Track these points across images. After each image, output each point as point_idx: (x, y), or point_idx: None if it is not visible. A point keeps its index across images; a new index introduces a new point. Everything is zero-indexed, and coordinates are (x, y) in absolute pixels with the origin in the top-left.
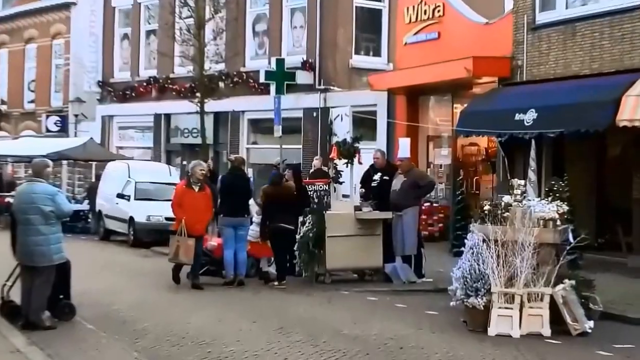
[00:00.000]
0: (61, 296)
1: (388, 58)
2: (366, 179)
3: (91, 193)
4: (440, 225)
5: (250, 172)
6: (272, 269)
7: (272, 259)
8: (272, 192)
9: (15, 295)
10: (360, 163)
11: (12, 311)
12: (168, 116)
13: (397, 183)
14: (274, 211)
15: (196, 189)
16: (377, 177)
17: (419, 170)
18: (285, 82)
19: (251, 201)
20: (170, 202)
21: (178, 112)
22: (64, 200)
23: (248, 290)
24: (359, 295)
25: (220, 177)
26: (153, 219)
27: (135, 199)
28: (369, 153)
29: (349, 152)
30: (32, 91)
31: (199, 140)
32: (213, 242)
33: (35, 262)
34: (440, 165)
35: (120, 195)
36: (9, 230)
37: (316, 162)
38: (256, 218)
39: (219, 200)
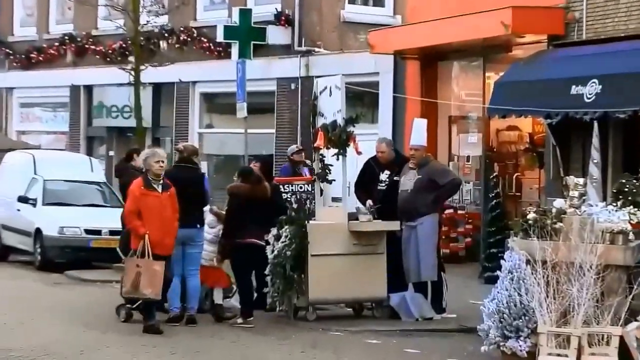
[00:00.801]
0: None
1: (394, 9)
2: (367, 180)
3: None
4: (468, 240)
5: (203, 167)
6: (234, 301)
7: (233, 287)
8: (243, 192)
9: None
10: (359, 153)
11: None
12: (89, 89)
13: (407, 181)
14: (242, 220)
15: (159, 190)
16: (384, 176)
17: (438, 163)
18: (252, 42)
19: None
20: (92, 208)
21: (103, 83)
22: None
23: (202, 330)
24: (355, 337)
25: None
26: (68, 232)
27: (44, 204)
28: (368, 140)
29: (340, 138)
30: None
31: (132, 123)
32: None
33: None
34: (467, 158)
35: (23, 199)
36: None
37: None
38: (208, 233)
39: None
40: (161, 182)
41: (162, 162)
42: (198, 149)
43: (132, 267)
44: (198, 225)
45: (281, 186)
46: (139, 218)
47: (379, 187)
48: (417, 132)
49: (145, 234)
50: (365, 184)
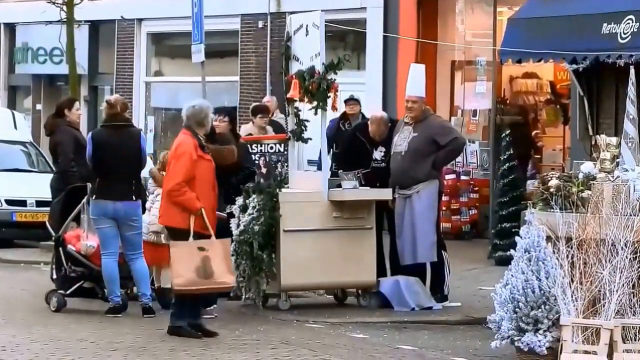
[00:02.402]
0: None
1: None
2: (354, 158)
3: None
4: (473, 212)
5: (150, 123)
6: None
7: None
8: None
9: None
10: (334, 109)
11: None
12: (11, 27)
13: (401, 141)
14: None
15: (208, 154)
16: (379, 154)
17: (439, 118)
18: None
19: (146, 173)
20: (15, 174)
21: (28, 20)
22: None
23: (149, 322)
24: (337, 330)
25: (90, 133)
26: None
27: None
28: (353, 90)
29: (319, 88)
30: None
31: (64, 69)
32: (90, 241)
33: None
34: (474, 112)
35: None
36: None
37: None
38: (152, 201)
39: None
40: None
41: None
42: (127, 103)
43: (191, 251)
44: (133, 197)
45: (249, 146)
46: (192, 189)
47: (373, 165)
48: (414, 81)
49: (202, 209)
50: (353, 163)
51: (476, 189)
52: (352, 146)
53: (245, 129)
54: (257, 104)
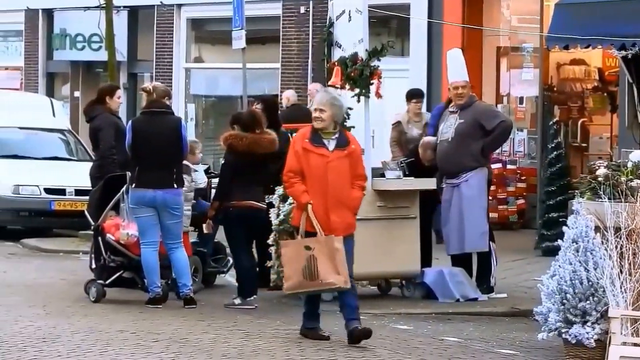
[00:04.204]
0: None
1: None
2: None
3: None
4: (520, 202)
5: (191, 112)
6: (230, 278)
7: (229, 261)
8: (244, 144)
9: None
10: (379, 96)
11: None
12: (49, 13)
13: (447, 128)
14: (240, 178)
15: (329, 147)
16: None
17: (484, 103)
18: None
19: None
20: (54, 162)
21: (66, 6)
22: None
23: (190, 314)
24: (381, 321)
25: (130, 122)
26: (24, 192)
27: None
28: (397, 78)
29: (362, 75)
30: None
31: (103, 56)
32: (129, 230)
33: None
34: (521, 99)
35: None
36: None
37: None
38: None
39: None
40: (336, 136)
41: (322, 110)
42: (170, 90)
43: (297, 251)
44: (175, 185)
45: (289, 134)
46: (303, 181)
47: None
48: (455, 66)
49: (308, 204)
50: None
51: (523, 178)
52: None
53: (398, 116)
54: (412, 88)
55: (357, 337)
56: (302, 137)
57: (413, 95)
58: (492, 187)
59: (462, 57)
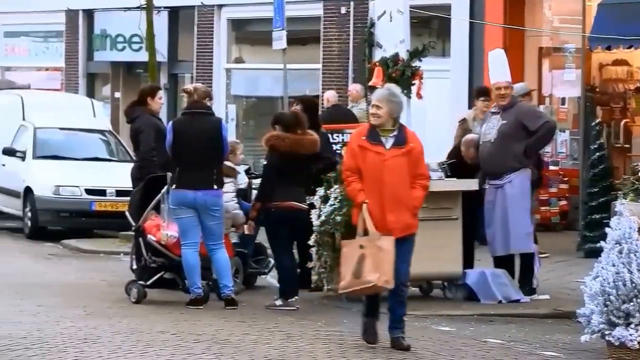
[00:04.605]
0: None
1: None
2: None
3: None
4: (563, 203)
5: (232, 112)
6: (272, 279)
7: (270, 262)
8: (286, 145)
9: None
10: (419, 97)
11: None
12: (90, 14)
13: (489, 129)
14: (282, 179)
15: (386, 144)
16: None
17: (527, 104)
18: None
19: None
20: (94, 163)
21: (107, 6)
22: None
23: (231, 315)
24: (422, 323)
25: (170, 123)
26: (65, 192)
27: (35, 157)
28: (438, 79)
29: (403, 76)
30: None
31: (143, 57)
32: (170, 231)
33: None
34: (563, 100)
35: (9, 151)
36: None
37: (333, 94)
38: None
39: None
40: (395, 134)
41: (378, 106)
42: (211, 91)
43: (352, 250)
44: (214, 186)
45: (330, 135)
46: (360, 179)
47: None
48: (497, 66)
49: (364, 203)
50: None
51: (565, 179)
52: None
53: (465, 113)
54: (481, 86)
55: (397, 347)
56: (359, 135)
57: (482, 92)
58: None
59: (505, 57)
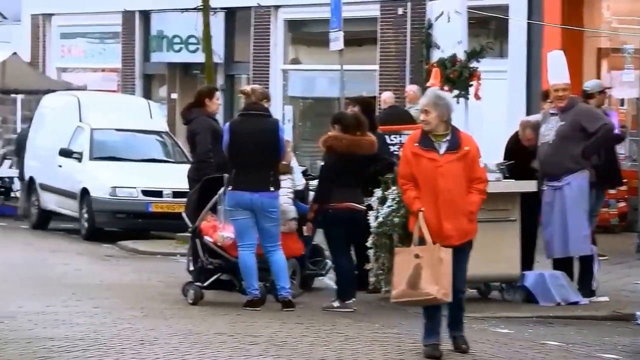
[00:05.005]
0: None
1: None
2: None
3: (17, 148)
4: (622, 205)
5: (288, 113)
6: (329, 281)
7: (327, 263)
8: (344, 145)
9: None
10: (477, 98)
11: None
12: (147, 15)
13: (548, 131)
14: (339, 180)
15: (440, 150)
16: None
17: (586, 105)
18: None
19: (293, 163)
20: (151, 164)
21: (164, 7)
22: None
23: (288, 317)
24: (481, 325)
25: (227, 124)
26: (121, 194)
27: (92, 158)
28: (496, 79)
29: (461, 76)
30: None
31: (200, 58)
32: (226, 232)
33: None
34: (622, 101)
35: (66, 153)
36: None
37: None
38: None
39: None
40: (448, 138)
41: (427, 111)
42: (268, 92)
43: (407, 259)
44: (271, 188)
45: (387, 136)
46: (416, 186)
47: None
48: (555, 68)
49: (420, 211)
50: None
51: (625, 180)
52: (508, 151)
53: (533, 116)
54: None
55: (456, 347)
56: (411, 141)
57: (548, 95)
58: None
59: (564, 58)
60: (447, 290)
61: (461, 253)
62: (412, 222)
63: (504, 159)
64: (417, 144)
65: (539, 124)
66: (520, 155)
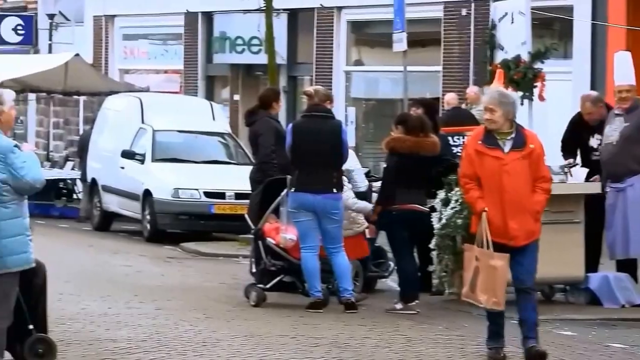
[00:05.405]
0: (30, 326)
1: None
2: (572, 145)
3: (80, 150)
4: None
5: (351, 115)
6: (392, 282)
7: (390, 265)
8: (407, 147)
9: None
10: (541, 99)
11: None
12: (209, 16)
13: (612, 131)
14: (402, 181)
15: (505, 148)
16: (595, 141)
17: None
18: None
19: (356, 165)
20: (213, 166)
21: (226, 9)
22: (28, 162)
23: (350, 319)
24: (544, 327)
25: (290, 125)
26: (184, 195)
27: (154, 160)
28: (559, 81)
29: (525, 78)
30: None
31: (262, 59)
32: (289, 234)
33: None
34: None
35: (128, 154)
36: None
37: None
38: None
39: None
40: (512, 136)
41: (492, 110)
42: (331, 94)
43: (470, 259)
44: (334, 190)
45: (450, 138)
46: (479, 186)
47: (592, 157)
48: (621, 69)
49: (483, 212)
50: (570, 149)
51: None
52: (569, 130)
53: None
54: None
55: (532, 357)
56: (474, 139)
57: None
58: None
59: (630, 60)
60: (498, 299)
61: (528, 253)
62: (475, 223)
63: (565, 136)
64: (480, 142)
65: (599, 98)
66: (580, 131)
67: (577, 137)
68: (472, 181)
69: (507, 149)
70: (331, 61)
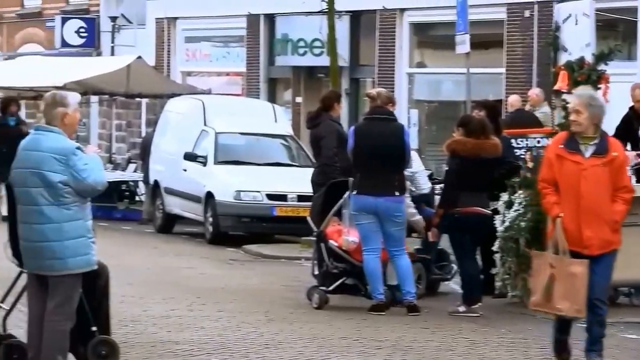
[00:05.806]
0: (93, 328)
1: None
2: (623, 137)
3: (142, 152)
4: None
5: (414, 117)
6: (455, 285)
7: (453, 268)
8: (468, 149)
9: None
10: (606, 101)
11: (13, 353)
12: (271, 18)
13: None
14: (465, 184)
15: (586, 153)
16: None
17: None
18: None
19: (419, 167)
20: (276, 168)
21: (288, 11)
22: (90, 164)
23: (413, 321)
24: (609, 330)
25: (352, 127)
26: (246, 198)
27: (217, 162)
28: (624, 82)
29: (589, 79)
30: None
31: (324, 61)
32: (351, 236)
33: (43, 269)
34: None
35: (190, 157)
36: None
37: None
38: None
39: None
40: (596, 142)
41: (578, 112)
42: (394, 96)
43: (543, 266)
44: (396, 193)
45: (513, 140)
46: (557, 191)
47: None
48: None
49: (558, 217)
50: (621, 140)
51: None
52: (623, 122)
53: None
54: None
55: None
56: (556, 143)
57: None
58: None
59: None
60: (580, 306)
61: (602, 263)
62: (550, 229)
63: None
64: (562, 146)
65: None
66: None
67: (629, 128)
68: (550, 186)
69: (588, 154)
70: (393, 63)
